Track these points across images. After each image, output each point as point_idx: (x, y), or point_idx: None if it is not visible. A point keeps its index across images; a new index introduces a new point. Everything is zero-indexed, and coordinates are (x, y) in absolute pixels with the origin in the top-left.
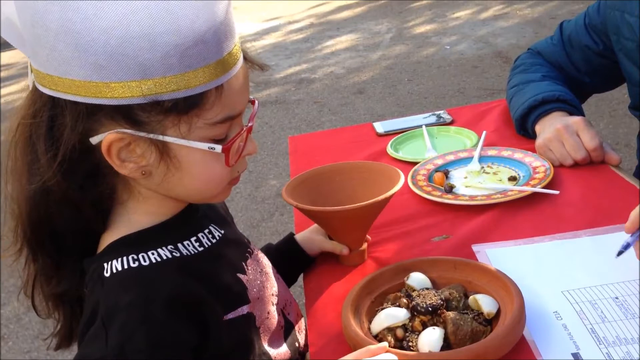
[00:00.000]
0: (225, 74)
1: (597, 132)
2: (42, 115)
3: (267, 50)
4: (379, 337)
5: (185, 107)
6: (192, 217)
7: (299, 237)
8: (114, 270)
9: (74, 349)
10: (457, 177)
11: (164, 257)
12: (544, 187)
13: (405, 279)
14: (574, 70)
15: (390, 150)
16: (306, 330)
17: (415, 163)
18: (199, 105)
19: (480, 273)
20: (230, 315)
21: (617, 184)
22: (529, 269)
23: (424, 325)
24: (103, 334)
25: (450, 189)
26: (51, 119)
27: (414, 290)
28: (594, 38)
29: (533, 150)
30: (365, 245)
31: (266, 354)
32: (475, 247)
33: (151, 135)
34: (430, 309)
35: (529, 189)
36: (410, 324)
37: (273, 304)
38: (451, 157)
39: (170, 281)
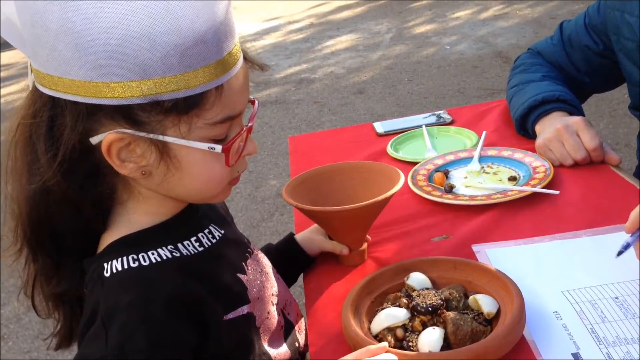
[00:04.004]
0: (225, 74)
1: (597, 132)
2: (42, 115)
3: (267, 50)
4: (379, 337)
5: (185, 107)
6: (192, 217)
7: (299, 237)
8: (114, 270)
9: (74, 349)
10: (457, 177)
11: (164, 257)
12: (544, 187)
13: (405, 279)
14: (574, 70)
15: (390, 150)
16: (306, 330)
17: (415, 163)
18: (199, 105)
19: (480, 273)
20: (230, 315)
21: (617, 184)
22: (529, 269)
23: (424, 325)
24: (103, 334)
25: (450, 189)
26: (51, 119)
27: (414, 290)
28: (594, 38)
29: (533, 150)
30: (365, 245)
31: (266, 354)
32: (475, 247)
33: (151, 135)
34: (430, 309)
35: (529, 189)
36: (410, 324)
37: (273, 304)
38: (451, 157)
39: (170, 281)
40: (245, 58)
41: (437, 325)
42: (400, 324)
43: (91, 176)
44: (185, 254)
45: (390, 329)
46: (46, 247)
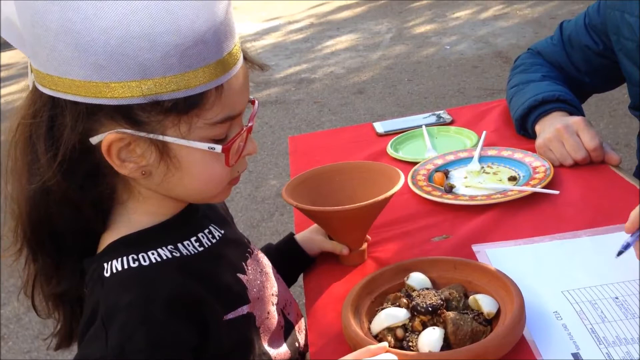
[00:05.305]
0: (225, 74)
1: (597, 132)
2: (42, 115)
3: (267, 50)
4: (379, 337)
5: (185, 107)
6: (192, 217)
7: (299, 237)
8: (114, 270)
9: (74, 349)
10: (457, 177)
11: (164, 257)
12: (544, 187)
13: (405, 279)
14: (574, 70)
15: (390, 150)
16: (306, 330)
17: (415, 163)
18: (199, 105)
19: (480, 273)
20: (230, 315)
21: (617, 184)
22: (529, 269)
23: (424, 325)
24: (103, 334)
25: (450, 189)
26: (51, 119)
27: (414, 290)
28: (594, 38)
29: (533, 150)
30: (365, 245)
31: (266, 354)
32: (475, 247)
33: (151, 135)
34: (430, 309)
35: (529, 189)
36: (410, 324)
37: (273, 304)
38: (451, 157)
39: (170, 281)
40: (245, 58)
41: (437, 325)
42: (400, 324)
43: (91, 176)
44: (185, 254)
45: (390, 329)
46: (46, 247)
